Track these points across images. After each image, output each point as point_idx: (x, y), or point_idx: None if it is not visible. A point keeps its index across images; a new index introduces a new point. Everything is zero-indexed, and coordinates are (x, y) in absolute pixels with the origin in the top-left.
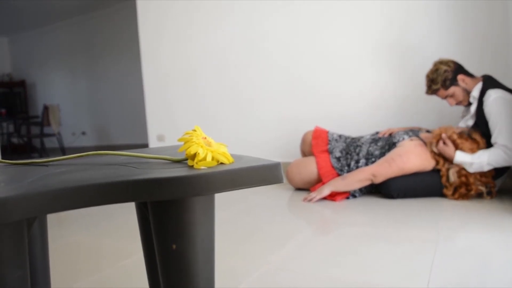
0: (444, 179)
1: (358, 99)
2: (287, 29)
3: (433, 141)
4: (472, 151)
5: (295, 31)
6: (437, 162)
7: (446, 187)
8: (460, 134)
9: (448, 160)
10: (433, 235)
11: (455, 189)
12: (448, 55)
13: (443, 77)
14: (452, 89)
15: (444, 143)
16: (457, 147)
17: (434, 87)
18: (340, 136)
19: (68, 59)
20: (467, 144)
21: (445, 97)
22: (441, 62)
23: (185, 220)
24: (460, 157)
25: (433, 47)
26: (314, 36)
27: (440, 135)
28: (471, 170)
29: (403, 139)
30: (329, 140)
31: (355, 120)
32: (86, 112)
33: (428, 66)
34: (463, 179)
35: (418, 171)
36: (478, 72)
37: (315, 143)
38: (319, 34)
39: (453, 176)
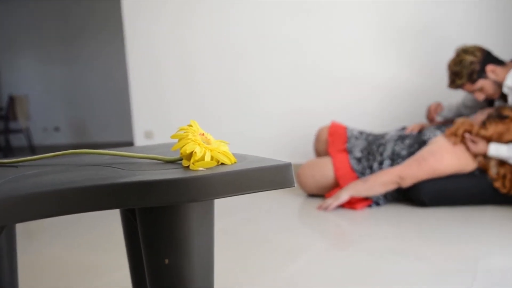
0: (490, 172)
1: (380, 89)
2: (294, 12)
3: (456, 140)
4: (508, 133)
5: (303, 14)
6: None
7: (495, 179)
8: (488, 120)
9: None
10: (473, 252)
11: (504, 179)
12: (468, 39)
13: (469, 70)
14: (480, 83)
15: (473, 141)
16: (488, 140)
17: (459, 81)
18: (360, 132)
19: (39, 40)
20: (498, 128)
21: (472, 91)
22: (465, 51)
23: (180, 230)
24: (495, 150)
25: (462, 35)
26: (325, 20)
27: (462, 136)
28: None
29: (435, 135)
30: (348, 138)
31: (377, 113)
32: (60, 104)
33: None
34: (507, 166)
35: (454, 173)
36: (505, 57)
37: (332, 140)
38: (330, 16)
39: (495, 168)
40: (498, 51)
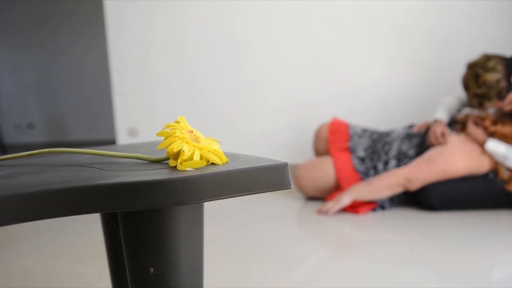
0: (502, 174)
1: (385, 84)
2: (298, 4)
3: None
4: None
5: (307, 8)
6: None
7: (507, 182)
8: (500, 118)
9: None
10: (487, 259)
11: None
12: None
13: (498, 90)
14: (511, 96)
15: (476, 123)
16: (491, 134)
17: (488, 103)
18: (364, 130)
19: (9, 27)
20: (505, 129)
21: (501, 107)
22: (485, 69)
23: (166, 236)
24: (493, 146)
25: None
26: (329, 15)
27: (468, 115)
28: (507, 165)
29: None
30: (351, 135)
31: (382, 110)
32: (34, 99)
33: (466, 54)
34: None
35: (466, 175)
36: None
37: (333, 139)
38: (335, 12)
39: (505, 172)
40: (504, 51)
